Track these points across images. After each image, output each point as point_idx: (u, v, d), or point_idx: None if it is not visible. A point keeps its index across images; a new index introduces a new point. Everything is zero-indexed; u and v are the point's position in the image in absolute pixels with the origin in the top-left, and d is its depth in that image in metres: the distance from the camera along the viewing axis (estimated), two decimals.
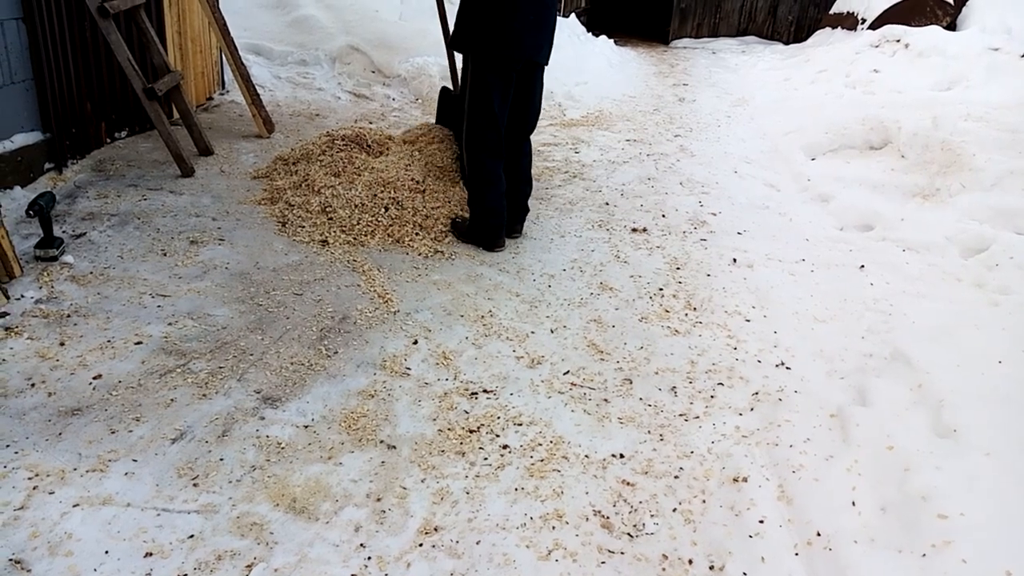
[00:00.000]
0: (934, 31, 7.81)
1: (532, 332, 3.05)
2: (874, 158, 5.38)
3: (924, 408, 2.47)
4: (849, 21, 9.95)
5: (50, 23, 3.93)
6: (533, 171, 4.78)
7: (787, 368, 2.86)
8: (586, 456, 2.35)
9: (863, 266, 3.75)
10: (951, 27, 8.88)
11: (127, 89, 4.60)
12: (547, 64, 3.73)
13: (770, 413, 2.58)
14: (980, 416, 2.37)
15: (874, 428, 2.39)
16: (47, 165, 4.07)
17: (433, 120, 4.97)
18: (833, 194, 4.75)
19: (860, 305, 3.35)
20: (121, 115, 4.78)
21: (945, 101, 5.96)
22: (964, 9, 9.15)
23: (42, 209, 3.20)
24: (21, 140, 3.86)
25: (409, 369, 2.73)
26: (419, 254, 3.64)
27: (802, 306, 3.34)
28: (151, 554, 1.88)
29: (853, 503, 2.12)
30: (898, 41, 7.92)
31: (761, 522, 2.09)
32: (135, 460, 2.18)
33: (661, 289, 3.49)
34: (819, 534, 2.03)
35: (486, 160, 3.69)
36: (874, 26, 9.06)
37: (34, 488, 2.04)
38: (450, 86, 4.81)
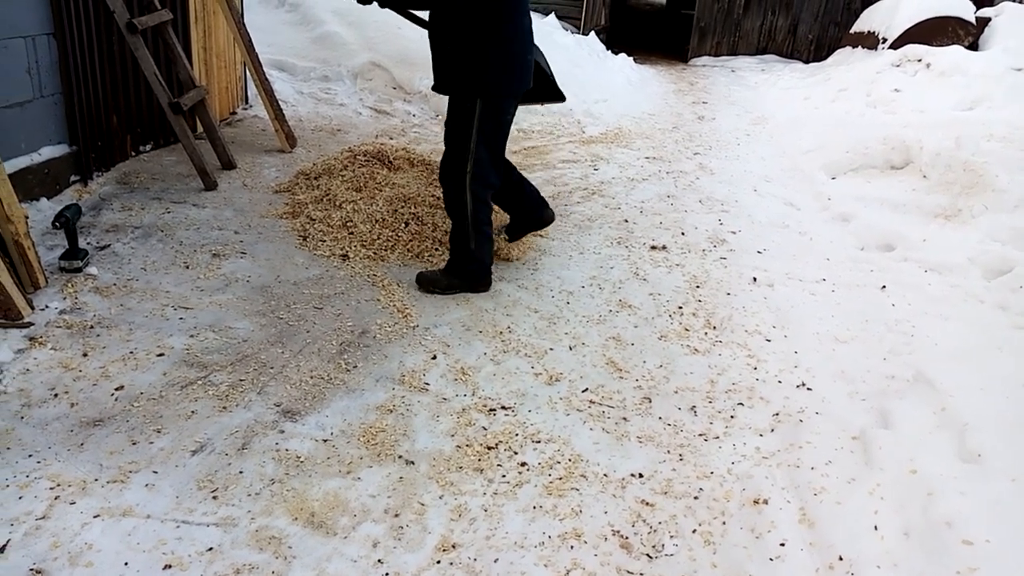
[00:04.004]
0: (956, 51, 7.77)
1: (551, 349, 3.04)
2: (896, 178, 5.34)
3: (948, 431, 2.44)
4: (870, 40, 9.92)
5: (79, 38, 4.00)
6: (552, 188, 4.84)
7: (808, 389, 2.84)
8: (605, 475, 2.33)
9: (885, 287, 3.71)
10: (973, 47, 8.83)
11: (153, 103, 4.67)
12: None
13: (791, 434, 2.55)
14: (1005, 441, 2.33)
15: (897, 451, 2.36)
16: (73, 177, 4.13)
17: None
18: (854, 214, 4.72)
19: (882, 326, 3.32)
20: (146, 129, 4.84)
21: (967, 121, 5.91)
22: (986, 30, 9.11)
23: (67, 221, 3.24)
24: (48, 152, 3.92)
25: (428, 384, 2.74)
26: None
27: (823, 326, 3.32)
28: (170, 566, 1.89)
29: (876, 527, 2.09)
30: (919, 61, 7.88)
31: (782, 545, 2.06)
32: (155, 472, 2.20)
33: (680, 307, 3.48)
34: (841, 558, 2.00)
35: (488, 198, 3.44)
36: (895, 46, 9.02)
37: (56, 498, 2.06)
38: None
